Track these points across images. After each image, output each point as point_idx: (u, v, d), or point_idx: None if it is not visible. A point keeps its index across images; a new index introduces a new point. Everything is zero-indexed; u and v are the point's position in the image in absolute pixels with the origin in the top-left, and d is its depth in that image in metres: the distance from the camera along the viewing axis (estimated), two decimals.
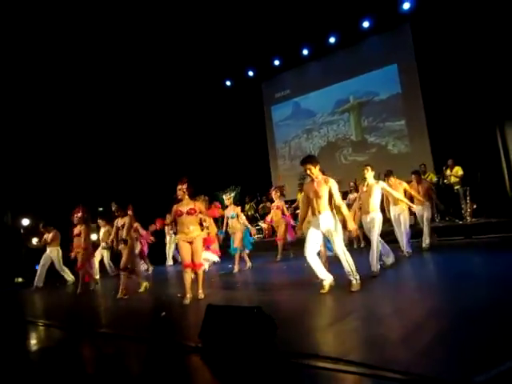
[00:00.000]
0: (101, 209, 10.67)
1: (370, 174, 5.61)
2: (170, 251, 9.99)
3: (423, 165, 9.46)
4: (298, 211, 8.13)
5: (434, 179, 9.43)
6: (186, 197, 5.14)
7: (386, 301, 4.13)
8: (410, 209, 6.59)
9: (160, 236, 9.78)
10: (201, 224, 5.61)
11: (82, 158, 11.96)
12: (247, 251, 7.80)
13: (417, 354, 2.45)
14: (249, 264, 7.67)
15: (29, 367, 3.37)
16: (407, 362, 2.32)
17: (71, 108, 11.70)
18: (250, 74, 13.64)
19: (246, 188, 12.58)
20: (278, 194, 8.55)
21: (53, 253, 8.52)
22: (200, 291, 5.18)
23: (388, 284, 4.93)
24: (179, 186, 5.12)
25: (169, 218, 5.34)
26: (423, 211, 7.20)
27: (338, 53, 12.20)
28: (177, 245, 8.73)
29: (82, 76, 11.15)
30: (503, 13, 8.85)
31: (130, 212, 6.52)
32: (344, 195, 8.45)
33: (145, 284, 6.44)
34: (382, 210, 6.02)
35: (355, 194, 8.33)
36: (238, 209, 7.79)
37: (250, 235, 7.77)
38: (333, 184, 4.48)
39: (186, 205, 5.09)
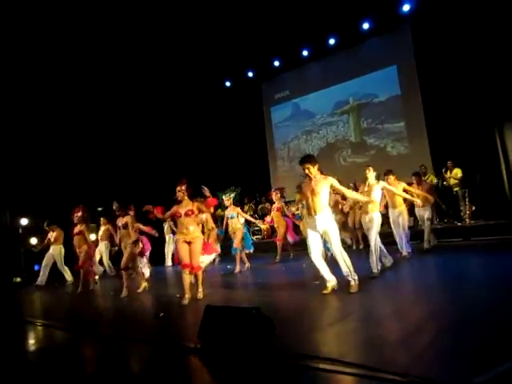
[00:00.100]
0: (100, 208, 10.67)
1: (371, 175, 5.65)
2: (169, 251, 9.98)
3: (423, 166, 9.45)
4: (297, 212, 8.16)
5: (434, 181, 9.44)
6: (186, 198, 5.15)
7: (385, 302, 4.13)
8: (409, 210, 6.61)
9: (159, 236, 9.78)
10: (202, 227, 5.62)
11: (82, 157, 11.96)
12: (247, 251, 7.81)
13: (416, 356, 2.45)
14: (247, 264, 7.67)
15: (27, 367, 3.37)
16: (406, 364, 2.32)
17: (71, 108, 11.69)
18: (250, 74, 13.65)
19: (245, 189, 12.65)
20: (279, 195, 8.56)
21: (55, 251, 8.57)
22: (200, 290, 5.19)
23: (387, 285, 4.92)
24: (178, 188, 5.13)
25: (166, 214, 5.34)
26: (424, 212, 7.21)
27: (338, 54, 12.21)
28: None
29: (82, 76, 11.15)
30: (503, 14, 8.87)
31: (131, 212, 6.54)
32: (343, 196, 8.48)
33: (144, 284, 6.45)
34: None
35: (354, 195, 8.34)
36: (238, 209, 7.83)
37: (250, 235, 7.80)
38: (333, 180, 4.51)
39: (185, 206, 5.10)
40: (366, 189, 5.68)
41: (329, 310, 3.98)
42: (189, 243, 5.08)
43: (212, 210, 5.64)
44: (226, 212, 7.83)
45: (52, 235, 8.59)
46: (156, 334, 3.72)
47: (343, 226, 8.35)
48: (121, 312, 5.22)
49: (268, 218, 8.92)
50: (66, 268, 8.75)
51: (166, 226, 9.71)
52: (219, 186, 12.24)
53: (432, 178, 9.46)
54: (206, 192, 5.67)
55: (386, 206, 6.62)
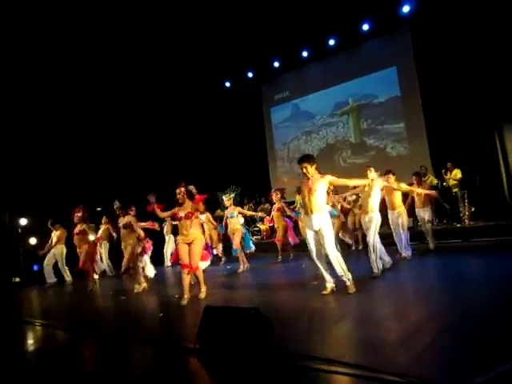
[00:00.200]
0: (99, 208, 10.67)
1: (372, 175, 5.66)
2: (168, 252, 9.97)
3: (423, 167, 9.44)
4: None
5: (434, 182, 9.43)
6: (186, 200, 5.18)
7: (385, 303, 4.13)
8: (409, 211, 6.60)
9: (159, 237, 9.77)
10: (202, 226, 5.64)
11: (81, 157, 11.95)
12: (248, 251, 7.83)
13: (416, 356, 2.45)
14: (246, 265, 7.67)
15: (27, 368, 3.36)
16: (405, 365, 2.31)
17: (70, 108, 11.69)
18: (250, 75, 13.65)
19: (244, 189, 12.66)
20: (279, 195, 8.56)
21: (57, 250, 8.62)
22: (202, 291, 5.22)
23: (386, 286, 4.92)
24: (178, 190, 5.17)
25: (166, 213, 5.39)
26: (424, 213, 7.22)
27: (338, 55, 12.21)
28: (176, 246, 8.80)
29: (82, 76, 11.15)
30: (502, 16, 8.88)
31: (132, 212, 6.55)
32: (343, 200, 8.49)
33: (143, 285, 6.44)
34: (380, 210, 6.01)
35: (354, 196, 8.35)
36: (238, 208, 7.88)
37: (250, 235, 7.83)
38: (330, 176, 4.53)
39: (186, 208, 5.14)
40: (366, 188, 5.70)
41: (328, 310, 3.98)
42: (189, 244, 5.12)
43: (201, 206, 5.58)
44: (226, 211, 7.87)
45: (55, 234, 8.64)
46: (155, 335, 3.71)
47: (342, 227, 8.36)
48: (120, 312, 5.22)
49: (269, 217, 8.92)
50: (67, 268, 8.77)
51: (165, 227, 9.71)
52: (219, 187, 12.26)
53: (432, 179, 9.45)
54: (193, 189, 5.70)
55: (386, 207, 6.62)
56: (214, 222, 8.43)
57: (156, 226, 6.68)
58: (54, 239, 8.61)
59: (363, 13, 10.72)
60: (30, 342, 4.30)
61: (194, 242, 5.11)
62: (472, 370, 2.15)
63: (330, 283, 4.51)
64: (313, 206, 4.44)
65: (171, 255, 9.87)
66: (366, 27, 11.15)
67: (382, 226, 5.73)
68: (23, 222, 10.50)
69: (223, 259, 9.29)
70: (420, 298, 4.11)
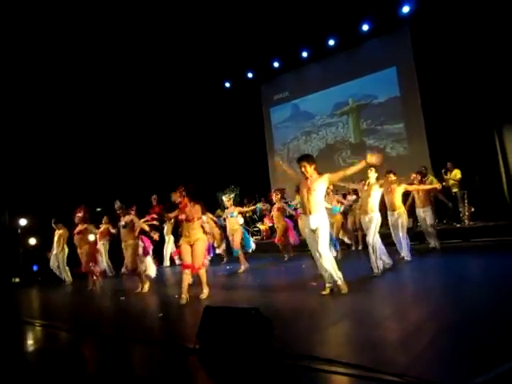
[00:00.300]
0: (99, 209, 10.66)
1: (373, 175, 5.68)
2: (167, 252, 9.96)
3: (424, 167, 9.43)
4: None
5: (435, 182, 9.42)
6: (188, 202, 5.21)
7: (385, 303, 4.14)
8: (409, 212, 6.58)
9: (159, 237, 9.76)
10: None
11: (81, 158, 11.95)
12: (249, 250, 7.86)
13: (415, 356, 2.45)
14: (246, 265, 7.66)
15: (26, 368, 3.36)
16: (405, 365, 2.32)
17: (70, 108, 11.69)
18: (250, 75, 13.64)
19: (244, 190, 12.65)
20: (279, 196, 8.56)
21: (59, 250, 8.64)
22: (204, 291, 5.23)
23: (386, 286, 4.93)
24: (178, 194, 5.20)
25: (170, 215, 5.46)
26: (425, 214, 7.21)
27: (338, 55, 12.21)
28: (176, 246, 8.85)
29: (82, 76, 11.14)
30: (502, 16, 8.88)
31: (133, 213, 6.57)
32: (343, 197, 8.51)
33: (147, 285, 6.45)
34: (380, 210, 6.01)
35: (354, 196, 8.37)
36: (238, 208, 7.91)
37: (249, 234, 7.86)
38: (328, 174, 4.53)
39: (188, 210, 5.16)
40: (365, 188, 5.71)
41: (328, 310, 3.98)
42: (191, 245, 5.15)
43: (199, 207, 5.56)
44: (226, 211, 7.89)
45: (58, 233, 8.69)
46: (155, 335, 3.71)
47: (342, 227, 8.37)
48: (120, 312, 5.22)
49: (270, 216, 8.94)
50: (67, 268, 8.78)
51: (166, 227, 9.70)
52: (219, 187, 12.26)
53: (432, 180, 9.44)
54: (154, 201, 5.74)
55: (385, 208, 6.60)
56: (214, 218, 8.49)
57: (156, 236, 6.69)
58: (56, 238, 8.64)
59: (363, 13, 10.72)
60: (30, 342, 4.30)
61: (197, 242, 5.14)
62: (472, 369, 2.15)
63: (329, 283, 4.52)
64: (311, 206, 4.44)
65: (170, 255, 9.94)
66: (365, 27, 11.14)
67: (381, 225, 5.73)
68: (23, 222, 10.50)
69: (225, 259, 9.29)
70: (420, 297, 4.11)
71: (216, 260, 9.55)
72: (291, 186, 11.64)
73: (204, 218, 6.62)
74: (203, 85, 13.17)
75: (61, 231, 8.65)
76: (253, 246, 8.03)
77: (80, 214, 7.37)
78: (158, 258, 9.12)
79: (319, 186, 4.46)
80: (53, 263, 8.81)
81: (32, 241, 10.60)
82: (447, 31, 9.78)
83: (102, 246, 9.33)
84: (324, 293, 4.46)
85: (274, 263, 8.27)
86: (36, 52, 10.11)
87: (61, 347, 3.94)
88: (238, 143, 13.88)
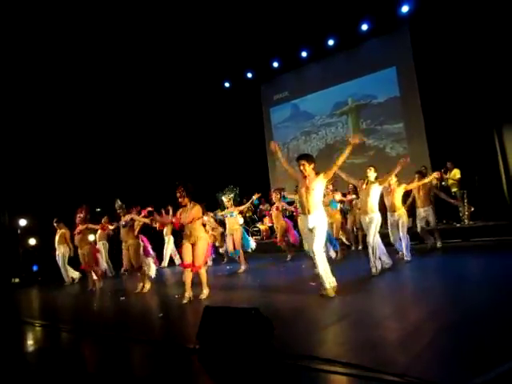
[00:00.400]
0: (99, 209, 10.66)
1: (372, 175, 5.68)
2: (167, 252, 9.96)
3: (424, 167, 9.42)
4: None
5: (434, 182, 9.42)
6: (188, 201, 5.21)
7: (384, 302, 4.14)
8: (409, 212, 6.58)
9: (158, 237, 9.77)
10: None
11: (81, 158, 11.94)
12: (249, 249, 7.87)
13: (415, 356, 2.45)
14: (246, 265, 7.67)
15: (26, 368, 3.36)
16: (405, 365, 2.31)
17: (70, 109, 11.68)
18: (249, 75, 13.64)
19: (244, 190, 12.64)
20: (279, 195, 8.56)
21: (60, 249, 8.68)
22: (204, 292, 5.24)
23: (386, 286, 4.93)
24: (178, 194, 5.19)
25: (174, 218, 5.47)
26: (426, 214, 7.21)
27: (337, 55, 12.21)
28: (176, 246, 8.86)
29: (81, 77, 11.13)
30: (501, 16, 8.88)
31: (133, 213, 6.58)
32: (343, 196, 8.51)
33: (148, 285, 6.45)
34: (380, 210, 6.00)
35: (353, 196, 8.38)
36: (238, 208, 7.94)
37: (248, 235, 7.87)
38: (324, 172, 4.56)
39: (189, 210, 5.17)
40: (364, 186, 5.71)
41: (328, 310, 3.98)
42: (192, 244, 5.16)
43: (200, 208, 5.53)
44: (226, 211, 7.91)
45: (59, 232, 8.71)
46: (155, 335, 3.71)
47: (341, 227, 8.37)
48: (120, 312, 5.22)
49: (269, 213, 8.95)
50: (68, 267, 8.79)
51: (165, 227, 9.68)
52: (219, 187, 12.26)
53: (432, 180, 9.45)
54: (170, 210, 5.71)
55: (385, 208, 6.60)
56: (214, 216, 8.53)
57: (152, 222, 6.71)
58: (58, 238, 8.65)
59: (362, 13, 10.72)
60: (30, 342, 4.30)
61: (199, 241, 5.15)
62: (472, 369, 2.16)
63: (330, 284, 4.51)
64: (310, 206, 4.45)
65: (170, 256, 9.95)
66: (365, 27, 11.14)
67: (381, 225, 5.73)
68: (23, 222, 10.51)
69: (225, 259, 9.30)
70: (420, 297, 4.11)
71: (216, 260, 9.55)
72: (291, 186, 11.67)
73: (205, 217, 6.66)
74: (203, 85, 13.18)
75: (62, 231, 8.68)
76: (253, 245, 8.03)
77: (81, 215, 7.40)
78: (158, 258, 9.11)
79: (317, 186, 4.48)
80: (60, 263, 8.83)
81: (32, 241, 10.60)
82: (447, 31, 9.78)
83: (102, 246, 9.35)
84: (324, 293, 4.46)
85: (273, 263, 8.29)
86: (36, 52, 10.10)
87: (61, 347, 3.94)
88: (237, 143, 13.88)
